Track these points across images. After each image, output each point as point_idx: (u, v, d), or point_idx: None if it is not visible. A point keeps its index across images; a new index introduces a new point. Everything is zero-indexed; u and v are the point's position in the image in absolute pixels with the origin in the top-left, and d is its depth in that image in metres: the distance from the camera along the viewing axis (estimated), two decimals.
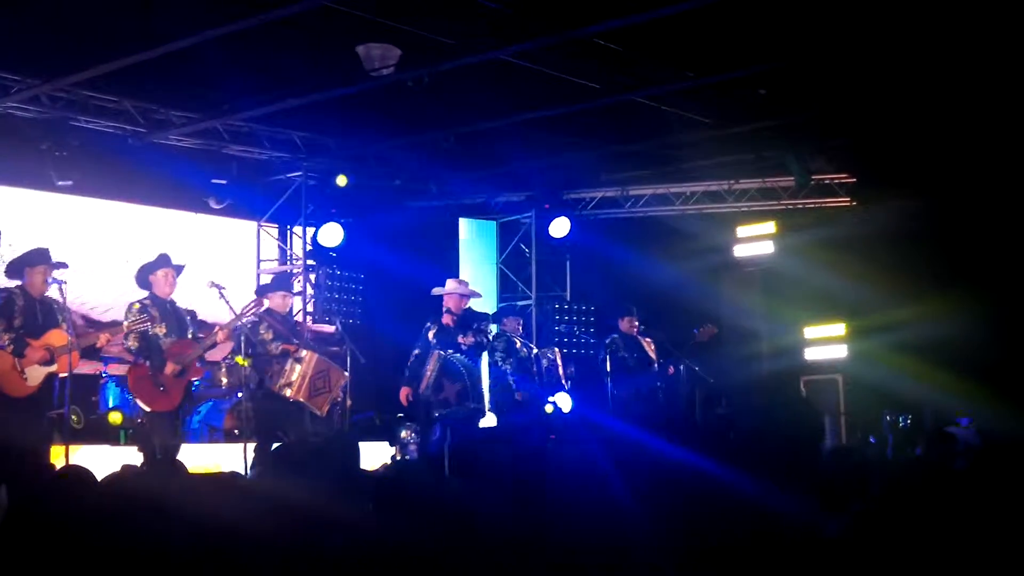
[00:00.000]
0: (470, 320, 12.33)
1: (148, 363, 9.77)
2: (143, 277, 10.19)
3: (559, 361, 13.83)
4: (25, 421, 9.33)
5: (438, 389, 11.85)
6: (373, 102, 12.80)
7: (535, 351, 13.56)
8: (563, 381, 13.72)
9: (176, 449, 9.73)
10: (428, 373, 11.80)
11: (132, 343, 9.78)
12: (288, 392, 10.47)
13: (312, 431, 10.46)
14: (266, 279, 16.02)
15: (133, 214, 14.89)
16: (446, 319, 12.10)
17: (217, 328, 10.27)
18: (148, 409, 9.83)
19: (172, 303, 10.13)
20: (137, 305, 9.92)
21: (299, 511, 3.87)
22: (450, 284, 12.46)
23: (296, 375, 10.50)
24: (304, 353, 10.60)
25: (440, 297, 12.29)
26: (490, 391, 12.84)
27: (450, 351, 11.93)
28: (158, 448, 9.55)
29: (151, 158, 13.74)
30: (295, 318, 11.33)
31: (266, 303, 10.74)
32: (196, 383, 11.25)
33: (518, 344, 13.32)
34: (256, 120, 13.99)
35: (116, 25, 10.60)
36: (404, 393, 11.86)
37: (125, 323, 9.83)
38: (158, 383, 9.75)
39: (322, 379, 10.72)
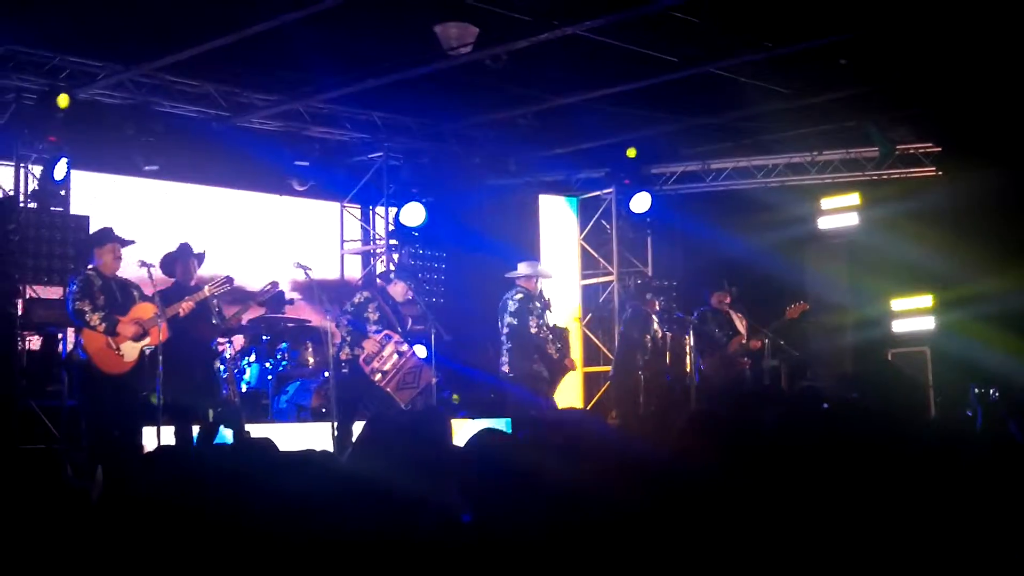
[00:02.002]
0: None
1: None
2: (168, 265, 10.40)
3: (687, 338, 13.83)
4: (123, 399, 9.56)
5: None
6: (451, 81, 12.81)
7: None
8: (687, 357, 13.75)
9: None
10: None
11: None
12: (378, 377, 10.63)
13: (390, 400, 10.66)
14: (351, 259, 16.20)
15: (218, 197, 15.08)
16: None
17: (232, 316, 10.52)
18: None
19: (197, 289, 10.29)
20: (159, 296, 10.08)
21: (390, 490, 3.89)
22: (524, 267, 12.55)
23: (390, 364, 10.67)
24: (406, 347, 10.77)
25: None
26: None
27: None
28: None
29: (234, 141, 13.91)
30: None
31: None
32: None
33: (655, 323, 13.53)
34: (336, 102, 14.07)
35: (197, 9, 10.72)
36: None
37: (207, 288, 10.01)
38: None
39: (413, 375, 10.88)
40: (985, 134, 13.77)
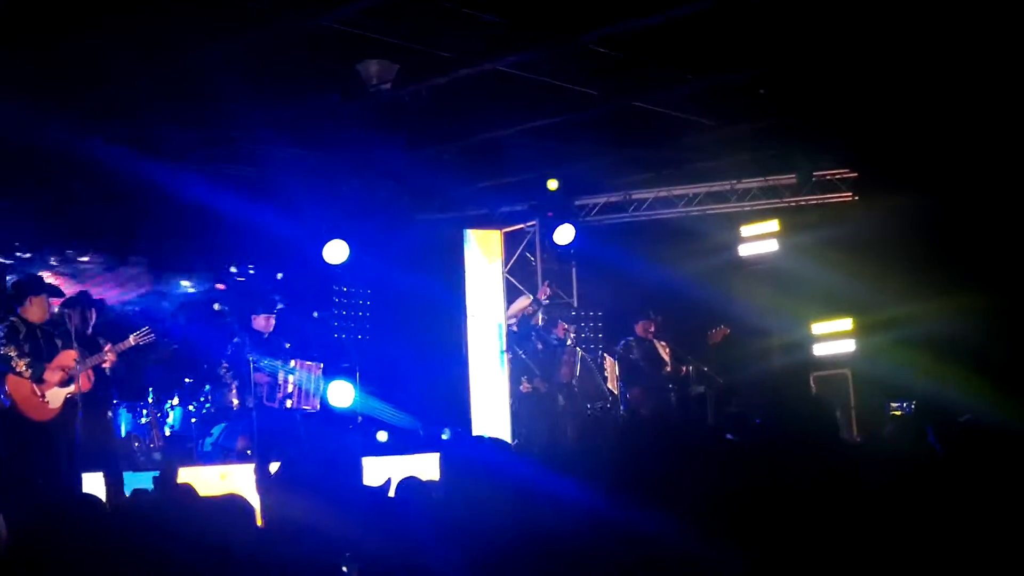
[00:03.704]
0: None
1: None
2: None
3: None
4: (47, 446, 9.46)
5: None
6: (375, 117, 12.82)
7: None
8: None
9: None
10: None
11: None
12: (289, 403, 10.87)
13: (307, 440, 10.81)
14: None
15: None
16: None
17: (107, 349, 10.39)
18: None
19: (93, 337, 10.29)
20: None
21: (303, 531, 3.90)
22: (521, 301, 14.02)
23: (291, 386, 10.91)
24: (293, 362, 10.98)
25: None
26: None
27: None
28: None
29: (151, 180, 13.85)
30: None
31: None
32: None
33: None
34: (257, 141, 14.00)
35: (112, 50, 10.65)
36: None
37: (132, 337, 9.97)
38: None
39: (309, 384, 11.30)
40: (900, 160, 14.02)
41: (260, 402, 10.96)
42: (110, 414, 10.79)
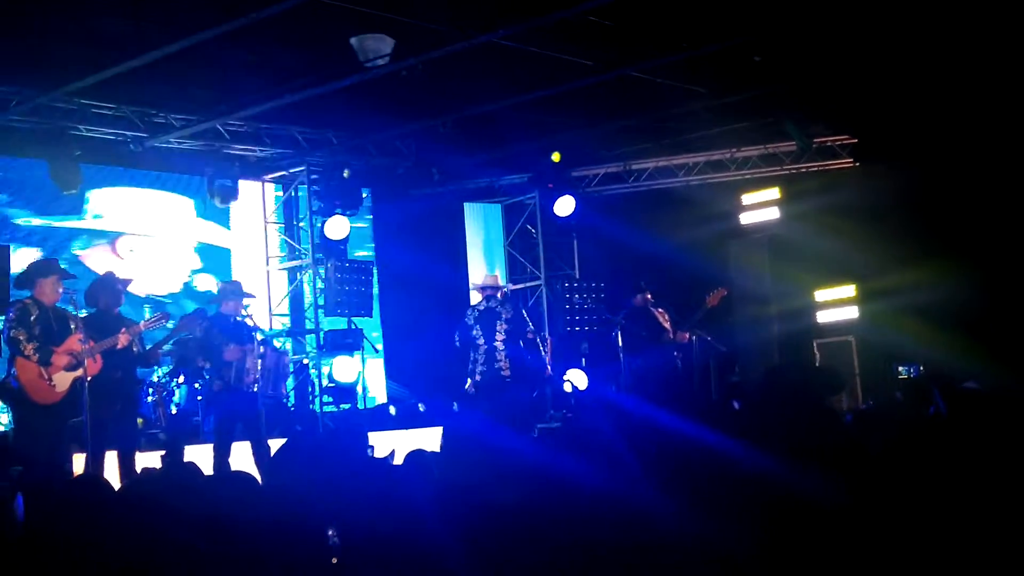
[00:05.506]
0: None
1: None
2: (92, 295, 10.27)
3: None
4: (52, 428, 9.48)
5: None
6: (371, 92, 12.80)
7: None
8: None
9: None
10: None
11: None
12: (256, 387, 10.90)
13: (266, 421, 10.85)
14: (277, 276, 16.08)
15: (138, 217, 14.95)
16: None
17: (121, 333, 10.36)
18: None
19: (123, 318, 10.28)
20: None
21: (310, 506, 3.92)
22: (487, 279, 13.49)
23: (260, 367, 10.94)
24: (257, 347, 11.00)
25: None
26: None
27: None
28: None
29: (153, 161, 13.87)
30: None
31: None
32: None
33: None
34: (255, 118, 14.01)
35: (110, 32, 10.65)
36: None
37: (142, 323, 9.98)
38: None
39: (276, 369, 11.64)
40: (898, 124, 13.99)
41: (228, 384, 10.90)
42: (134, 393, 10.77)
